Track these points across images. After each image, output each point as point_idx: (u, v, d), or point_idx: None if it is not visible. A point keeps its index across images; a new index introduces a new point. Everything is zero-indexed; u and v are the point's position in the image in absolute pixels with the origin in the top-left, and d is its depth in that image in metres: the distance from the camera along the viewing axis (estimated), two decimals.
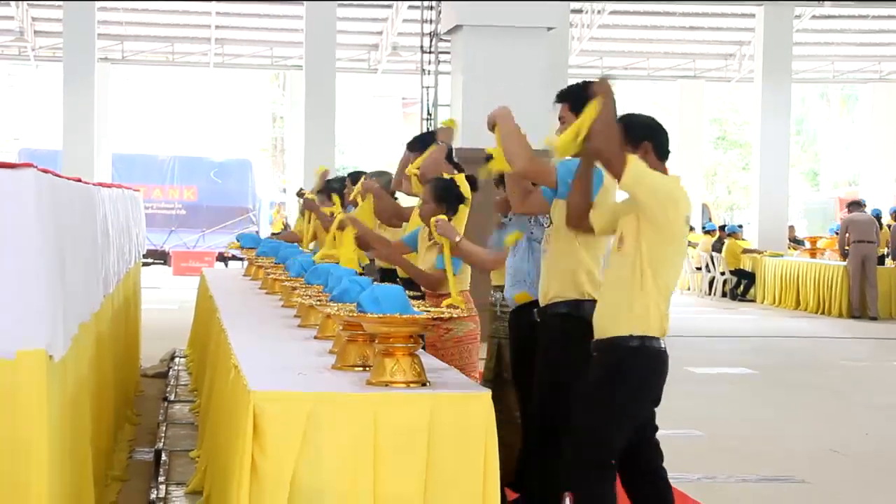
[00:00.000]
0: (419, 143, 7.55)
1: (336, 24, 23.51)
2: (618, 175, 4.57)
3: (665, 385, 4.86)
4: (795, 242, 25.70)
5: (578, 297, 5.21)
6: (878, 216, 23.09)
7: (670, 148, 4.91)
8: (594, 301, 5.18)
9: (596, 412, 4.74)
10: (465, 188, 6.61)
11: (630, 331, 4.69)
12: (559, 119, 5.35)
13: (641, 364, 4.72)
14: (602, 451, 4.73)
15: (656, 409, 4.97)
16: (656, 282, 4.69)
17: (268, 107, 50.47)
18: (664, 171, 4.77)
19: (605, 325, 4.77)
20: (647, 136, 4.78)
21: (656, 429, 4.99)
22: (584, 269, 5.22)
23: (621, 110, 4.93)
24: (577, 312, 5.20)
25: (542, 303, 5.35)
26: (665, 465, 4.99)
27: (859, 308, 19.27)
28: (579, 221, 5.07)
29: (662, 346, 4.75)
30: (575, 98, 5.20)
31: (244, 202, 31.97)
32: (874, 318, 19.02)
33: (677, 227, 4.75)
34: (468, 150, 12.03)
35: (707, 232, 25.60)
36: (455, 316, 4.58)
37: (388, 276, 7.65)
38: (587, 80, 5.42)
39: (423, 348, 5.32)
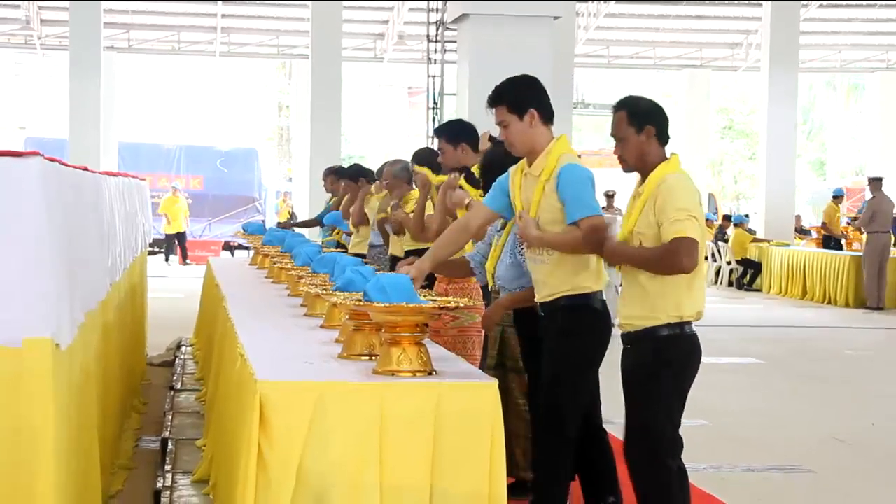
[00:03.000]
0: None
1: (342, 14, 23.51)
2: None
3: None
4: (802, 232, 25.69)
5: (584, 291, 5.19)
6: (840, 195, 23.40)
7: (672, 134, 4.92)
8: (597, 292, 5.19)
9: (644, 406, 4.75)
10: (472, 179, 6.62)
11: (666, 319, 4.70)
12: (500, 124, 5.26)
13: (678, 351, 4.76)
14: (658, 444, 4.74)
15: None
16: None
17: (274, 96, 50.46)
18: (664, 156, 4.77)
19: (636, 317, 4.76)
20: (651, 121, 4.79)
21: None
22: (589, 262, 5.20)
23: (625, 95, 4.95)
24: (583, 304, 5.19)
25: (544, 298, 5.31)
26: None
27: (875, 299, 19.10)
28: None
29: (693, 330, 4.78)
30: (512, 98, 5.18)
31: (250, 191, 31.99)
32: (880, 308, 18.97)
33: (701, 219, 4.76)
34: None
35: (706, 222, 25.60)
36: (462, 305, 4.58)
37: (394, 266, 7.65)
38: (514, 76, 5.36)
39: None
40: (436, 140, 7.47)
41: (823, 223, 23.59)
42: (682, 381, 4.83)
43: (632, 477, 4.89)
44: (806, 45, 28.47)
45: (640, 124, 4.77)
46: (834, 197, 23.98)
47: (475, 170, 6.69)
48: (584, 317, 5.18)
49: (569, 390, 5.19)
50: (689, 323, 4.76)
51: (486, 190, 5.94)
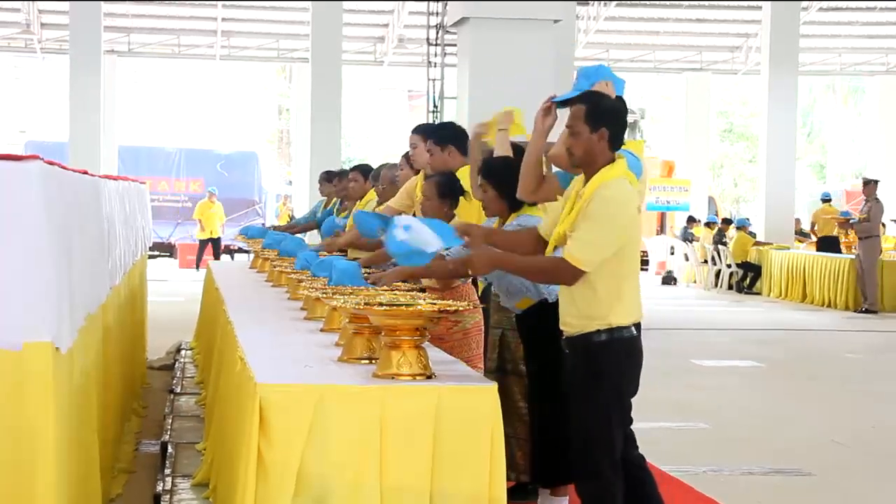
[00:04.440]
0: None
1: (342, 17, 23.53)
2: None
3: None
4: (801, 235, 25.70)
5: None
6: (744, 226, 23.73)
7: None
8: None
9: (584, 414, 4.72)
10: (466, 182, 6.59)
11: (597, 325, 4.66)
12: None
13: (615, 356, 4.70)
14: (602, 450, 4.72)
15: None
16: (619, 276, 4.65)
17: (274, 99, 50.50)
18: (612, 159, 4.72)
19: (572, 321, 4.74)
20: (607, 123, 4.73)
21: (631, 420, 4.96)
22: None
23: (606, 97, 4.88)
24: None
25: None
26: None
27: (875, 302, 19.10)
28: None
29: (634, 333, 4.72)
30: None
31: (250, 194, 31.99)
32: (875, 312, 18.97)
33: (634, 232, 4.72)
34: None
35: (708, 224, 25.61)
36: (461, 308, 4.58)
37: None
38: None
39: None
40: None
41: (813, 224, 23.74)
42: (620, 385, 4.74)
43: (574, 480, 4.87)
44: (806, 48, 28.48)
45: (596, 124, 4.73)
46: (823, 200, 24.09)
47: (462, 175, 6.69)
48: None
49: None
50: (625, 328, 4.70)
51: (498, 193, 5.85)
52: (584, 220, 4.60)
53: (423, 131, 7.49)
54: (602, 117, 4.72)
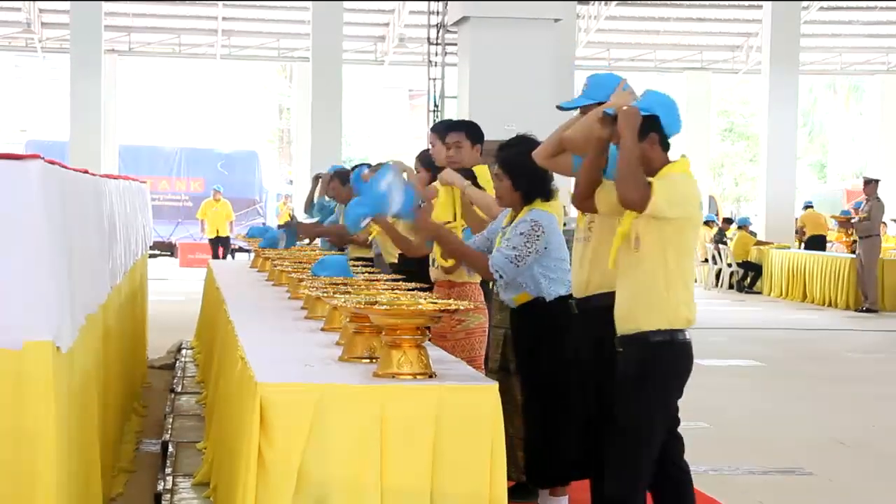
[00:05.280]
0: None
1: (343, 16, 23.54)
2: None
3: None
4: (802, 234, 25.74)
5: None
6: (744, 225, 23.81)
7: (675, 140, 4.89)
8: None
9: (632, 411, 4.73)
10: (483, 178, 6.56)
11: (658, 325, 4.68)
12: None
13: (670, 358, 4.72)
14: (643, 449, 4.73)
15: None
16: (680, 274, 4.69)
17: (275, 98, 50.50)
18: (667, 161, 4.76)
19: (629, 319, 4.75)
20: (654, 129, 4.77)
21: (679, 421, 4.98)
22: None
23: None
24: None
25: (579, 294, 5.24)
26: None
27: (876, 301, 19.12)
28: (584, 202, 5.03)
29: (688, 337, 4.76)
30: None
31: (251, 194, 32.00)
32: (875, 311, 18.97)
33: (697, 221, 4.80)
34: None
35: (706, 223, 25.61)
36: (462, 308, 4.58)
37: (397, 270, 7.64)
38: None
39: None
40: (449, 133, 7.30)
41: (802, 227, 23.84)
42: (670, 388, 4.78)
43: (606, 473, 4.87)
44: (806, 48, 28.49)
45: (644, 132, 4.76)
46: (806, 207, 24.26)
47: (479, 170, 6.67)
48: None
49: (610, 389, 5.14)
50: (680, 330, 4.73)
51: (513, 185, 5.75)
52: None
53: (438, 130, 7.44)
54: (648, 125, 4.76)
